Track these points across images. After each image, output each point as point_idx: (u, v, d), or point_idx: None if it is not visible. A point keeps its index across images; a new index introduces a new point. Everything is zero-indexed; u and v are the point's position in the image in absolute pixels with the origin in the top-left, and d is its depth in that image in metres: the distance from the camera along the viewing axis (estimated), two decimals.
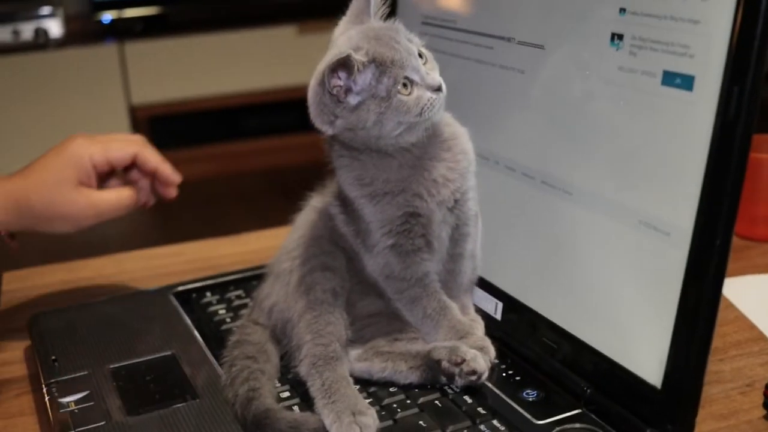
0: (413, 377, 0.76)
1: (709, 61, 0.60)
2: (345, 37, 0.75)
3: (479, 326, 0.80)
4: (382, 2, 0.79)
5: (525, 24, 0.79)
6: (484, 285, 0.85)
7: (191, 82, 4.04)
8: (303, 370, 0.75)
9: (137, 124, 4.01)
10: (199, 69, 4.04)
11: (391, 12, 0.98)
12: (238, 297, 0.96)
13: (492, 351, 0.77)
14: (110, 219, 0.94)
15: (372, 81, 0.71)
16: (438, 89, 0.73)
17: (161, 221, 3.81)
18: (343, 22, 0.78)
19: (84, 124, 3.89)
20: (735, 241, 1.14)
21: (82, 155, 0.92)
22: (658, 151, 0.65)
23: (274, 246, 1.13)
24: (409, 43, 0.74)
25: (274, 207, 3.85)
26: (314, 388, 0.73)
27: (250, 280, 0.98)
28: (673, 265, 0.64)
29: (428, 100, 0.72)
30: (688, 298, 0.63)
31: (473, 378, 0.73)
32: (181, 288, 0.98)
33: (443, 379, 0.75)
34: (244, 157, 4.17)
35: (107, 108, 3.94)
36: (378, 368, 0.77)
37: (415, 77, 0.72)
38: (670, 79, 0.64)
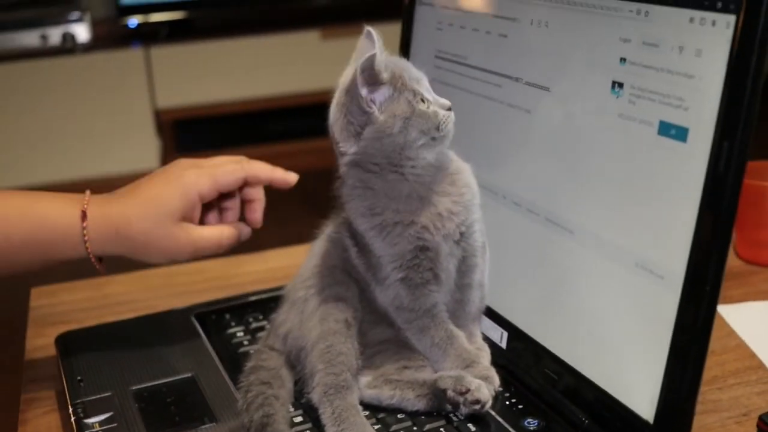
0: (420, 405, 0.79)
1: (702, 115, 0.64)
2: (352, 66, 0.80)
3: (485, 355, 0.84)
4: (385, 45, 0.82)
5: (532, 66, 0.83)
6: (491, 314, 0.88)
7: (215, 87, 4.08)
8: (315, 397, 0.79)
9: (162, 127, 4.07)
10: (223, 73, 4.08)
11: (406, 44, 1.02)
12: (256, 319, 0.99)
13: (496, 380, 0.80)
14: (207, 254, 0.92)
15: (393, 94, 0.77)
16: (449, 109, 0.79)
17: None
18: (349, 70, 0.81)
19: (110, 127, 3.96)
20: (739, 266, 1.16)
21: (190, 189, 0.89)
22: (654, 198, 0.68)
23: (293, 264, 1.17)
24: (418, 72, 0.80)
25: (293, 210, 3.90)
26: (325, 416, 0.77)
27: (268, 302, 1.02)
28: (666, 307, 0.67)
29: (444, 116, 0.78)
30: (679, 338, 0.66)
31: (477, 407, 0.77)
32: (201, 309, 1.02)
33: (448, 407, 0.78)
34: (267, 160, 4.18)
35: (133, 111, 4.00)
36: (387, 395, 0.80)
37: (429, 97, 0.78)
38: (665, 129, 0.67)
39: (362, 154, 0.78)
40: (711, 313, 0.64)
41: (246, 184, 0.95)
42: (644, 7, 0.69)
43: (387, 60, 0.78)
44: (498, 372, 0.82)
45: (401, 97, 0.77)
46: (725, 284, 1.06)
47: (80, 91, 3.88)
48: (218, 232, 0.91)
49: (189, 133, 4.12)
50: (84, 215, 0.86)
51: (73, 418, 0.82)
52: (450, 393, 0.77)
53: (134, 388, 0.87)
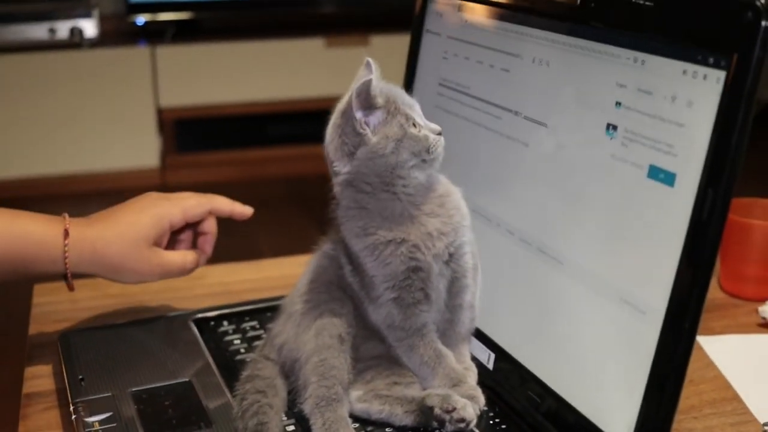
0: (408, 420, 0.83)
1: (690, 162, 0.67)
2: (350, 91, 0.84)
3: (473, 374, 0.87)
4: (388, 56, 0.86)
5: (531, 101, 0.86)
6: (480, 335, 0.92)
7: (218, 88, 4.12)
8: (307, 408, 0.82)
9: (163, 126, 4.10)
10: (227, 75, 4.12)
11: (412, 71, 1.06)
12: (253, 328, 1.03)
13: (481, 400, 0.84)
14: (173, 277, 1.02)
15: (387, 117, 0.82)
16: (439, 134, 0.83)
17: None
18: (346, 96, 0.85)
19: (112, 123, 3.99)
20: (722, 298, 1.20)
21: (163, 218, 0.99)
22: (641, 237, 0.72)
23: (288, 274, 1.20)
24: (411, 99, 0.85)
25: (292, 214, 3.93)
26: (316, 427, 0.80)
27: (265, 311, 1.06)
28: (646, 341, 0.70)
29: (434, 140, 0.82)
30: (657, 371, 0.70)
31: (462, 425, 0.80)
32: (200, 315, 1.06)
33: (435, 424, 0.82)
34: (266, 164, 4.24)
35: (135, 108, 4.03)
36: (376, 410, 0.84)
37: (420, 122, 0.83)
38: (655, 173, 0.71)
39: (356, 174, 0.82)
40: (688, 348, 0.68)
41: (209, 215, 1.06)
42: (641, 55, 0.72)
43: (382, 86, 0.83)
44: (483, 392, 0.85)
45: (394, 120, 0.82)
46: (707, 315, 1.10)
47: (85, 85, 3.91)
48: (182, 256, 1.02)
49: (190, 133, 4.16)
50: (66, 233, 0.94)
51: (74, 417, 0.85)
52: (437, 411, 0.81)
53: (133, 389, 0.90)
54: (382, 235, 0.83)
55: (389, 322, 0.85)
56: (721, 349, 1.03)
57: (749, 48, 0.63)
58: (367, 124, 0.81)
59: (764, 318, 1.10)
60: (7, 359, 2.02)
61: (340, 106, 0.84)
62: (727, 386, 0.96)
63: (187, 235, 1.06)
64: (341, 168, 0.83)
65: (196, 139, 4.19)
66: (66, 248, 0.94)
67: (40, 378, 0.97)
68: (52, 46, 3.86)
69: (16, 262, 0.93)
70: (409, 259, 0.83)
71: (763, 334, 1.09)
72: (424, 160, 0.82)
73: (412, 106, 0.84)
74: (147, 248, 0.98)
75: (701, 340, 1.05)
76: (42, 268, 0.95)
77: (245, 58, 4.12)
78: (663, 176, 0.70)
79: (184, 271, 1.02)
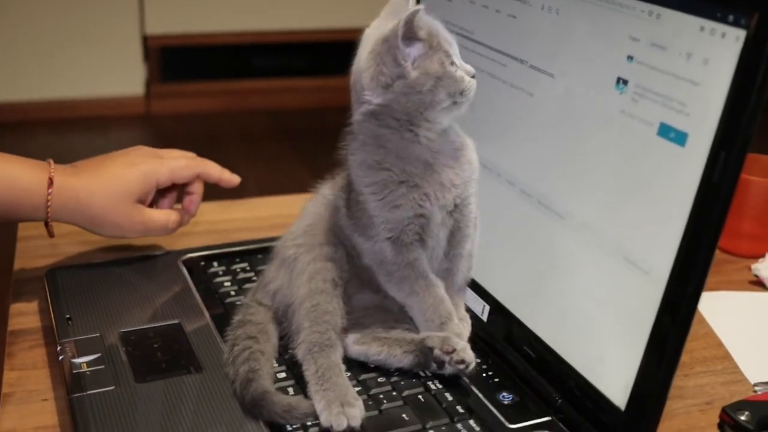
0: (406, 361, 0.82)
1: (703, 123, 0.65)
2: (390, 20, 0.80)
3: (467, 326, 0.86)
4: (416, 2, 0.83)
5: (539, 50, 0.84)
6: (475, 286, 0.91)
7: (206, 17, 4.06)
8: (299, 353, 0.81)
9: (149, 53, 4.04)
10: (215, 3, 4.05)
11: None
12: (243, 270, 1.01)
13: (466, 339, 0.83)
14: (154, 235, 1.03)
15: (428, 52, 0.78)
16: (473, 76, 0.80)
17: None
18: (377, 21, 0.83)
19: (97, 49, 3.93)
20: (717, 254, 1.18)
21: (150, 176, 0.98)
22: (647, 196, 0.71)
23: (278, 215, 1.20)
24: (450, 35, 0.81)
25: (276, 147, 3.91)
26: (309, 373, 0.79)
27: (256, 253, 1.04)
28: (648, 302, 0.69)
29: (469, 82, 0.79)
30: (657, 333, 0.69)
31: (461, 367, 0.80)
32: (189, 255, 1.04)
33: (434, 366, 0.81)
34: (250, 95, 4.20)
35: (121, 34, 3.97)
36: (374, 351, 0.83)
37: (457, 61, 0.80)
38: (665, 131, 0.69)
39: (385, 107, 0.79)
40: (690, 312, 0.67)
41: (196, 179, 1.05)
42: (657, 9, 0.70)
43: (425, 17, 0.79)
44: (477, 344, 0.84)
45: (435, 56, 0.78)
46: None
47: (70, 10, 3.84)
48: (165, 215, 1.01)
49: (175, 62, 4.10)
50: (50, 182, 0.93)
51: (61, 357, 0.84)
52: (437, 351, 0.80)
53: (122, 330, 0.88)
54: (395, 174, 0.80)
55: (381, 257, 0.83)
56: (713, 306, 1.03)
57: None
58: (408, 55, 0.78)
59: (756, 276, 1.10)
60: None
61: (380, 34, 0.79)
62: (719, 344, 0.96)
63: (172, 194, 1.06)
64: (373, 98, 0.79)
65: (182, 68, 4.14)
66: (49, 197, 0.93)
67: (25, 315, 0.96)
68: None
69: None
70: (417, 206, 0.81)
71: (755, 291, 1.09)
72: (455, 102, 0.79)
73: (451, 44, 0.80)
74: (131, 204, 0.97)
75: None
76: (24, 214, 0.95)
77: None
78: (674, 135, 0.68)
79: (167, 231, 1.02)
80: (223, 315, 0.90)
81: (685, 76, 0.67)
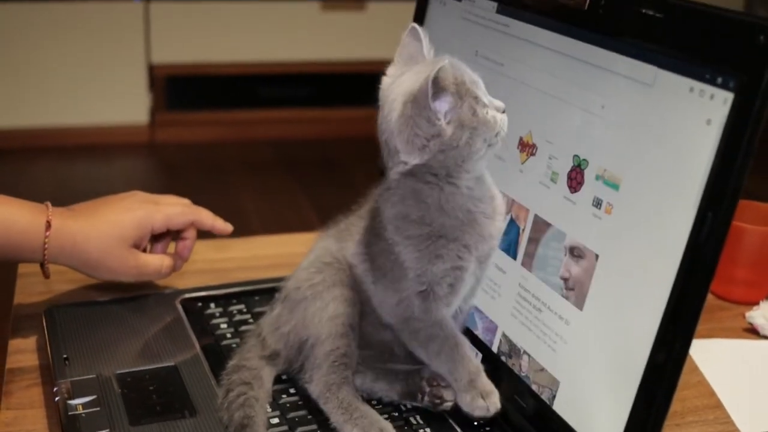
0: (393, 393, 0.86)
1: (691, 183, 0.67)
2: (412, 72, 0.79)
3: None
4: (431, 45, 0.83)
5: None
6: (469, 335, 0.92)
7: (211, 46, 4.09)
8: (316, 390, 0.84)
9: (154, 82, 4.07)
10: (221, 34, 4.09)
11: None
12: (240, 311, 1.02)
13: (497, 395, 0.83)
14: (148, 279, 1.04)
15: (457, 102, 0.76)
16: (503, 111, 0.79)
17: (165, 178, 3.87)
18: (393, 68, 0.82)
19: (103, 77, 3.96)
20: (710, 300, 1.20)
21: (146, 222, 1.00)
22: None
23: (278, 254, 1.21)
24: (473, 72, 0.79)
25: (279, 177, 3.92)
26: (331, 406, 0.82)
27: (253, 294, 1.05)
28: (636, 359, 0.70)
29: (501, 120, 0.78)
30: (645, 392, 0.70)
31: (437, 401, 0.83)
32: (187, 296, 1.05)
33: (419, 397, 0.84)
34: (255, 126, 4.22)
35: (127, 63, 4.00)
36: (368, 381, 0.86)
37: (486, 101, 0.78)
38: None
39: (422, 165, 0.78)
40: (676, 372, 0.67)
41: (191, 226, 1.06)
42: (650, 69, 0.71)
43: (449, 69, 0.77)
44: None
45: (464, 104, 0.76)
46: None
47: (77, 39, 3.88)
48: (159, 260, 1.03)
49: (180, 91, 4.13)
50: (48, 225, 0.94)
51: (57, 398, 0.84)
52: (423, 382, 0.83)
53: (118, 372, 0.89)
54: (436, 229, 0.80)
55: (408, 314, 0.83)
56: (707, 354, 1.03)
57: (759, 71, 0.62)
58: (439, 113, 0.75)
59: (751, 323, 1.11)
60: None
61: (406, 94, 0.76)
62: (711, 393, 0.97)
63: (166, 239, 1.08)
64: (410, 160, 0.77)
65: (187, 97, 4.17)
66: (46, 240, 0.95)
67: (23, 353, 0.97)
68: None
69: None
70: (456, 258, 0.81)
71: (749, 339, 1.10)
72: (490, 145, 0.78)
73: (478, 84, 0.78)
74: (126, 249, 0.99)
75: None
76: (21, 255, 0.97)
77: (240, 17, 4.09)
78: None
79: (160, 275, 1.04)
80: (218, 358, 0.91)
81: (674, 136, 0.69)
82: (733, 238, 1.16)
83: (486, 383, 0.83)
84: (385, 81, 0.81)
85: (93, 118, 4.01)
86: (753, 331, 1.11)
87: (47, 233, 0.94)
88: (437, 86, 0.74)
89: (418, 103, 0.75)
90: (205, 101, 4.23)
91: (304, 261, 0.90)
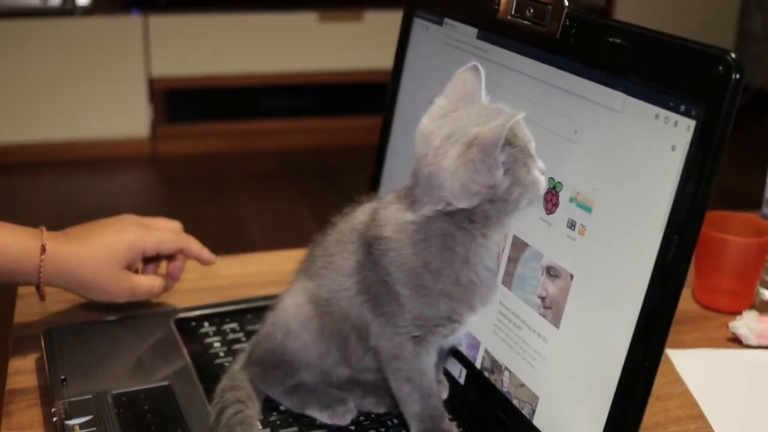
0: (383, 407, 0.90)
1: (656, 207, 0.69)
2: (471, 113, 0.78)
3: (444, 389, 0.90)
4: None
5: None
6: (454, 351, 0.94)
7: (211, 59, 4.12)
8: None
9: (154, 95, 4.10)
10: (220, 47, 4.12)
11: (400, 58, 1.07)
12: (233, 330, 1.05)
13: None
14: (140, 300, 1.08)
15: (515, 156, 0.75)
16: (543, 172, 0.78)
17: (167, 191, 3.90)
18: (445, 101, 0.80)
19: (103, 91, 3.99)
20: (695, 309, 1.22)
21: (138, 245, 1.04)
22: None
23: (273, 271, 1.23)
24: (528, 131, 0.78)
25: (280, 187, 3.95)
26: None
27: (245, 312, 1.08)
28: (610, 372, 0.73)
29: (543, 182, 0.77)
30: (619, 406, 0.72)
31: None
32: (180, 315, 1.08)
33: None
34: (256, 136, 4.26)
35: (127, 77, 4.04)
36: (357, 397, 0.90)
37: (539, 161, 0.77)
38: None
39: (465, 210, 0.76)
40: (648, 386, 0.70)
41: (179, 252, 1.11)
42: (620, 96, 0.74)
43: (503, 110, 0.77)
44: (455, 406, 0.89)
45: (521, 161, 0.75)
46: (679, 327, 1.13)
47: (77, 53, 3.91)
48: (151, 282, 1.07)
49: (180, 103, 4.16)
50: (43, 249, 0.98)
51: (55, 419, 0.87)
52: None
53: (114, 392, 0.92)
54: (448, 288, 0.79)
55: (396, 353, 0.82)
56: (690, 364, 1.05)
57: (719, 100, 0.64)
58: (501, 164, 0.74)
59: (734, 333, 1.13)
60: None
61: (480, 141, 0.73)
62: (694, 403, 0.99)
63: (157, 261, 1.12)
64: (458, 204, 0.75)
65: (187, 109, 4.20)
66: (41, 264, 0.98)
67: (23, 374, 0.99)
68: (44, 12, 3.85)
69: None
70: (457, 314, 0.81)
71: (732, 349, 1.12)
72: (530, 203, 0.78)
73: (532, 143, 0.77)
74: (118, 270, 1.02)
75: (670, 353, 1.08)
76: (16, 278, 1.00)
77: (238, 29, 4.12)
78: None
79: (152, 296, 1.08)
80: (212, 377, 0.94)
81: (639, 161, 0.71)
82: (717, 249, 1.19)
83: (447, 425, 0.85)
84: (435, 111, 0.79)
85: (94, 132, 4.05)
86: (737, 341, 1.13)
87: (42, 257, 0.98)
88: (508, 138, 0.73)
89: (486, 150, 0.73)
90: (206, 113, 4.26)
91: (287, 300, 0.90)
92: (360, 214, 0.86)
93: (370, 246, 0.81)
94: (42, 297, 1.02)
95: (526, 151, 0.75)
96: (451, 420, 0.87)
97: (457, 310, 0.80)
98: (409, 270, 0.78)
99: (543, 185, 0.77)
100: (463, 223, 0.77)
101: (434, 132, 0.77)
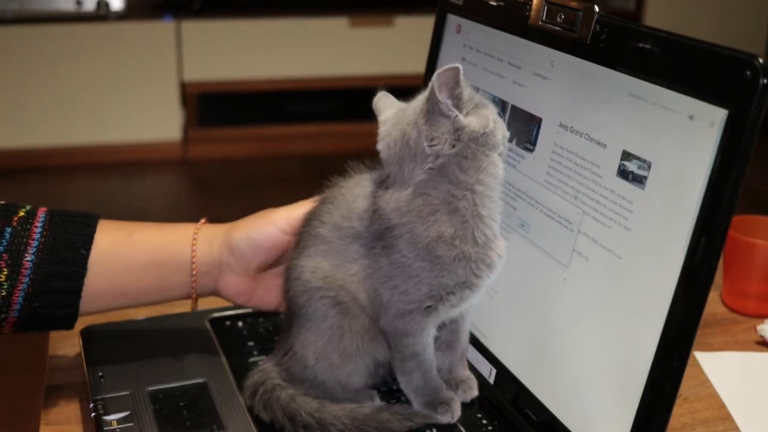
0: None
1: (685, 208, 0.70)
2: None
3: (470, 388, 0.92)
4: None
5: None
6: (484, 351, 0.96)
7: (242, 64, 4.15)
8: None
9: (187, 99, 4.14)
10: (251, 51, 4.15)
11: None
12: (266, 330, 1.07)
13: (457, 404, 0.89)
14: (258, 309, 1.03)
15: (468, 95, 0.82)
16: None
17: (198, 194, 3.93)
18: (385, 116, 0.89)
19: (135, 96, 4.03)
20: (724, 313, 1.23)
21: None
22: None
23: None
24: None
25: (310, 192, 3.97)
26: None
27: (278, 313, 1.09)
28: (638, 371, 0.74)
29: (494, 121, 0.82)
30: (646, 408, 0.73)
31: None
32: (216, 315, 1.10)
33: None
34: (285, 141, 4.28)
35: (159, 82, 4.07)
36: None
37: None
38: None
39: (454, 157, 0.80)
40: (677, 383, 0.71)
41: None
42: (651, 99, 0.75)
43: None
44: (486, 404, 0.91)
45: (476, 100, 0.83)
46: (706, 331, 1.14)
47: (110, 58, 3.96)
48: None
49: (212, 108, 4.20)
50: (195, 230, 0.97)
51: (93, 414, 0.89)
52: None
53: (150, 389, 0.94)
54: (465, 248, 0.81)
55: (407, 330, 0.85)
56: (718, 367, 1.06)
57: (747, 104, 0.65)
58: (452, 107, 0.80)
59: (762, 336, 1.13)
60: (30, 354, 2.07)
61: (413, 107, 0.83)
62: (721, 405, 0.99)
63: None
64: (442, 148, 0.80)
65: (218, 113, 4.23)
66: (194, 239, 0.96)
67: (62, 371, 1.02)
68: (78, 17, 3.90)
69: (153, 269, 0.96)
70: (473, 275, 0.83)
71: (760, 352, 1.12)
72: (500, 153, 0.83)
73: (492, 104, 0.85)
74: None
75: (699, 355, 1.08)
76: (172, 270, 0.97)
77: (269, 34, 4.15)
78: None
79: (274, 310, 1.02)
80: (245, 374, 0.95)
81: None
82: (745, 252, 1.19)
83: (447, 393, 0.88)
84: (384, 120, 0.88)
85: (127, 136, 4.09)
86: (764, 344, 1.13)
87: (196, 230, 0.97)
88: (455, 86, 0.79)
89: (441, 84, 0.79)
90: (237, 117, 4.29)
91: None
92: (350, 197, 0.93)
93: (380, 235, 0.84)
94: (194, 305, 1.00)
95: (477, 97, 0.82)
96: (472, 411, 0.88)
97: (475, 271, 0.82)
98: (425, 246, 0.81)
99: (502, 125, 0.83)
100: (456, 175, 0.80)
101: (388, 132, 0.86)
